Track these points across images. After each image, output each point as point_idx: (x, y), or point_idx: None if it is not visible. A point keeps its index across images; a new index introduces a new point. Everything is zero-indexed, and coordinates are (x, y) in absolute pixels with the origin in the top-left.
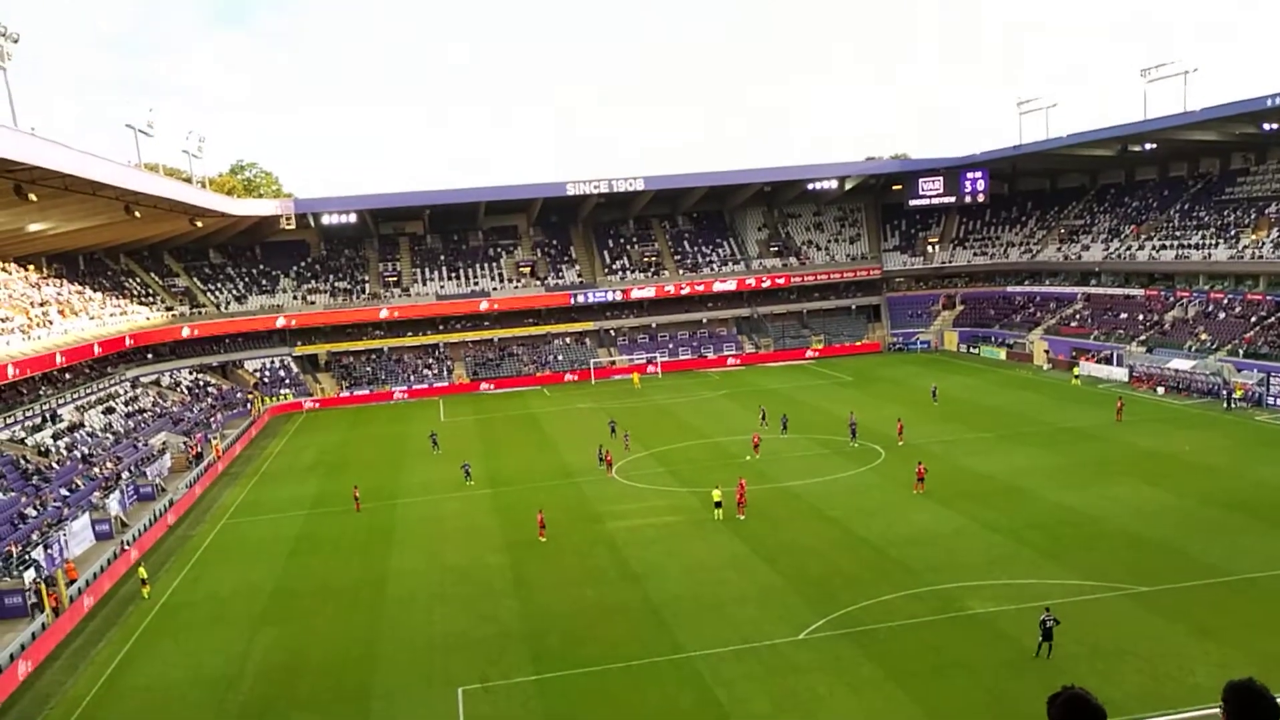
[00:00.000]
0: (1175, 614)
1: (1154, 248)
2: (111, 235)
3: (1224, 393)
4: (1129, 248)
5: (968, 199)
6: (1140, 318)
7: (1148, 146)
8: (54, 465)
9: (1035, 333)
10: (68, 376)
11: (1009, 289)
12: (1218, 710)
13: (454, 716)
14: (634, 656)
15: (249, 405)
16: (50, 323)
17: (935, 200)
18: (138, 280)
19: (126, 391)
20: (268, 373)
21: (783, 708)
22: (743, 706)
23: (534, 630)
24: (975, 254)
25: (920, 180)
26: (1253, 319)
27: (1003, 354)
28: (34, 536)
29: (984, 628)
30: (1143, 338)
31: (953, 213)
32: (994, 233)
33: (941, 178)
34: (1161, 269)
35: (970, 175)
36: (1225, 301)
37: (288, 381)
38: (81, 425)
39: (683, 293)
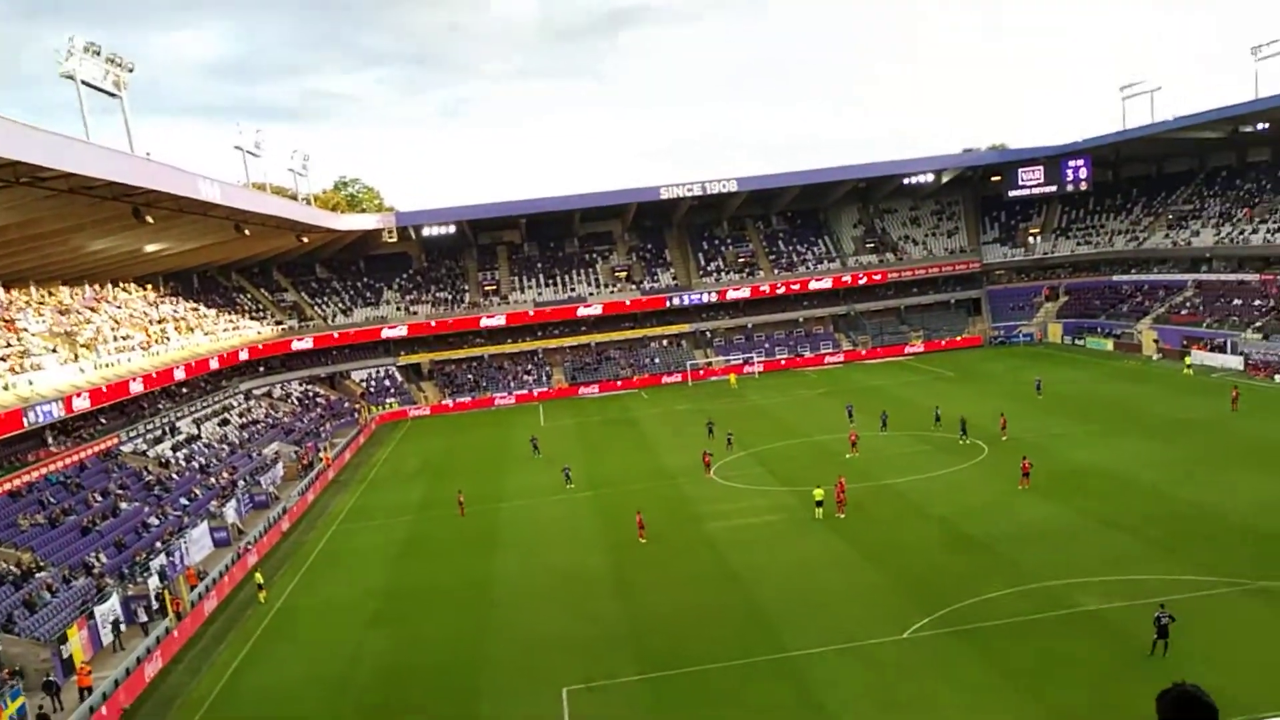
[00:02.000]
0: None
1: (1269, 230)
2: (223, 254)
3: None
4: (1241, 232)
5: (1070, 188)
6: (1255, 303)
7: (1260, 126)
8: (174, 476)
9: (1144, 322)
10: (185, 390)
11: (1115, 278)
12: None
13: (559, 716)
14: (736, 656)
15: (356, 414)
16: (168, 339)
17: (1036, 190)
18: (248, 296)
19: (240, 403)
20: (373, 382)
21: (887, 707)
22: (847, 706)
23: (636, 631)
24: (1079, 243)
25: (1020, 170)
26: None
27: (1109, 345)
28: (157, 544)
29: (1096, 625)
30: (1258, 324)
31: (1054, 202)
32: (1098, 221)
33: (1042, 167)
34: (1277, 252)
35: (1072, 163)
36: None
37: (393, 390)
38: (199, 437)
39: (778, 292)
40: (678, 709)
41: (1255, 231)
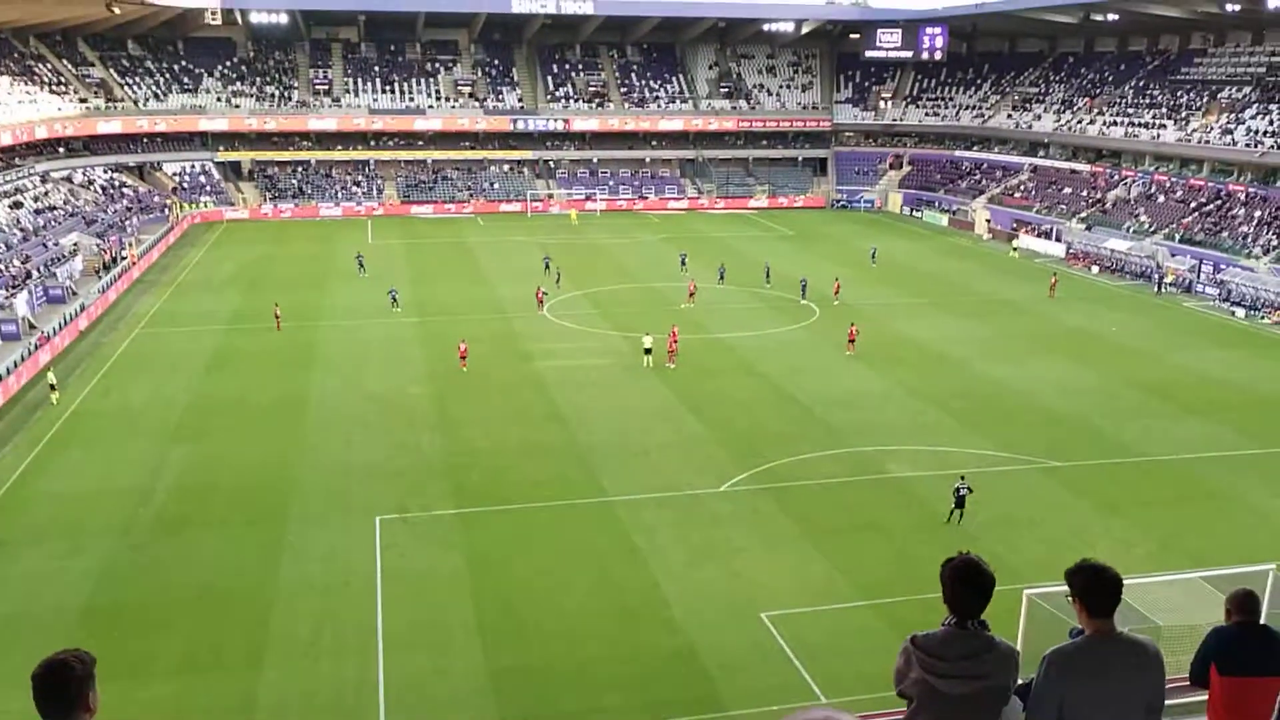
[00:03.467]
0: (1084, 490)
1: (1105, 123)
2: (18, 14)
3: (1156, 276)
4: (1080, 121)
5: (925, 55)
6: (1084, 194)
7: (1110, 17)
8: None
9: (979, 201)
10: None
11: (957, 153)
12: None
13: (370, 545)
14: (555, 497)
15: (167, 211)
16: None
17: (892, 54)
18: (49, 67)
19: (36, 186)
20: (188, 178)
21: (698, 556)
22: (660, 553)
23: (456, 465)
24: (927, 114)
25: (879, 31)
26: (1192, 205)
27: (945, 220)
28: None
29: (900, 491)
30: (1083, 214)
31: (908, 69)
32: (948, 93)
33: (901, 31)
34: (1110, 145)
35: (930, 30)
36: (1168, 184)
37: (209, 189)
38: None
39: (627, 127)
40: (493, 545)
41: (1093, 123)
